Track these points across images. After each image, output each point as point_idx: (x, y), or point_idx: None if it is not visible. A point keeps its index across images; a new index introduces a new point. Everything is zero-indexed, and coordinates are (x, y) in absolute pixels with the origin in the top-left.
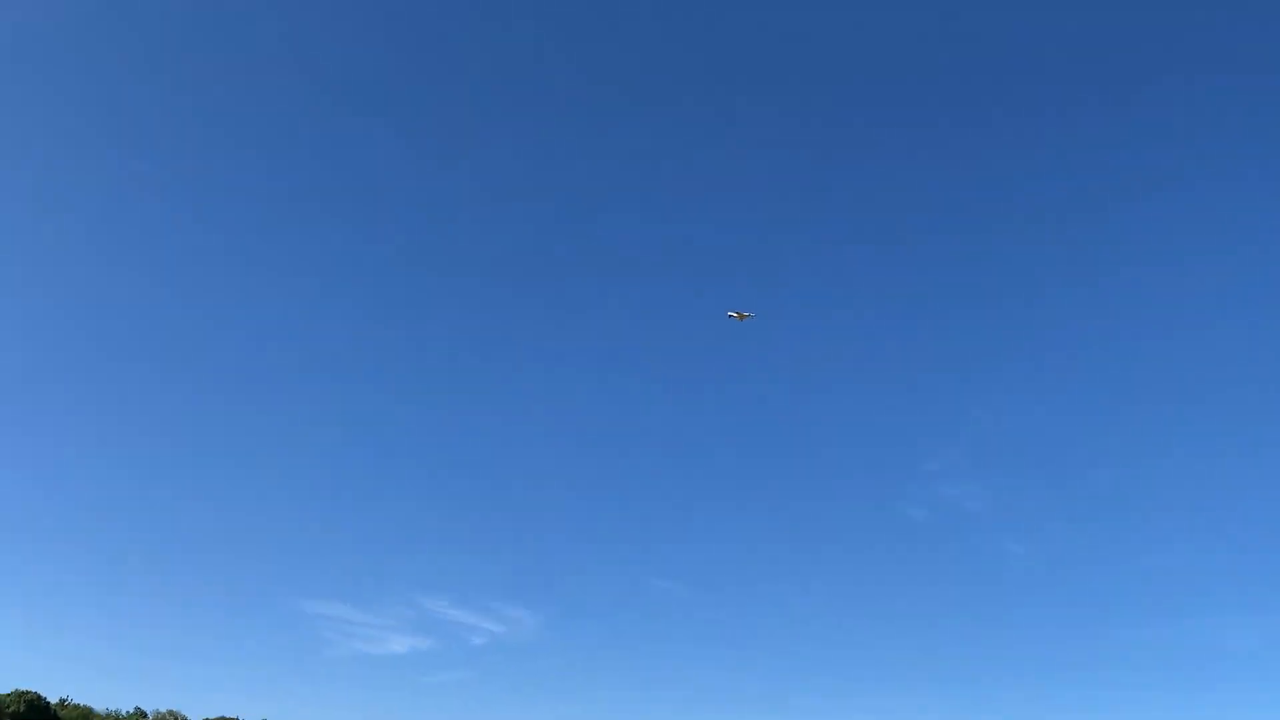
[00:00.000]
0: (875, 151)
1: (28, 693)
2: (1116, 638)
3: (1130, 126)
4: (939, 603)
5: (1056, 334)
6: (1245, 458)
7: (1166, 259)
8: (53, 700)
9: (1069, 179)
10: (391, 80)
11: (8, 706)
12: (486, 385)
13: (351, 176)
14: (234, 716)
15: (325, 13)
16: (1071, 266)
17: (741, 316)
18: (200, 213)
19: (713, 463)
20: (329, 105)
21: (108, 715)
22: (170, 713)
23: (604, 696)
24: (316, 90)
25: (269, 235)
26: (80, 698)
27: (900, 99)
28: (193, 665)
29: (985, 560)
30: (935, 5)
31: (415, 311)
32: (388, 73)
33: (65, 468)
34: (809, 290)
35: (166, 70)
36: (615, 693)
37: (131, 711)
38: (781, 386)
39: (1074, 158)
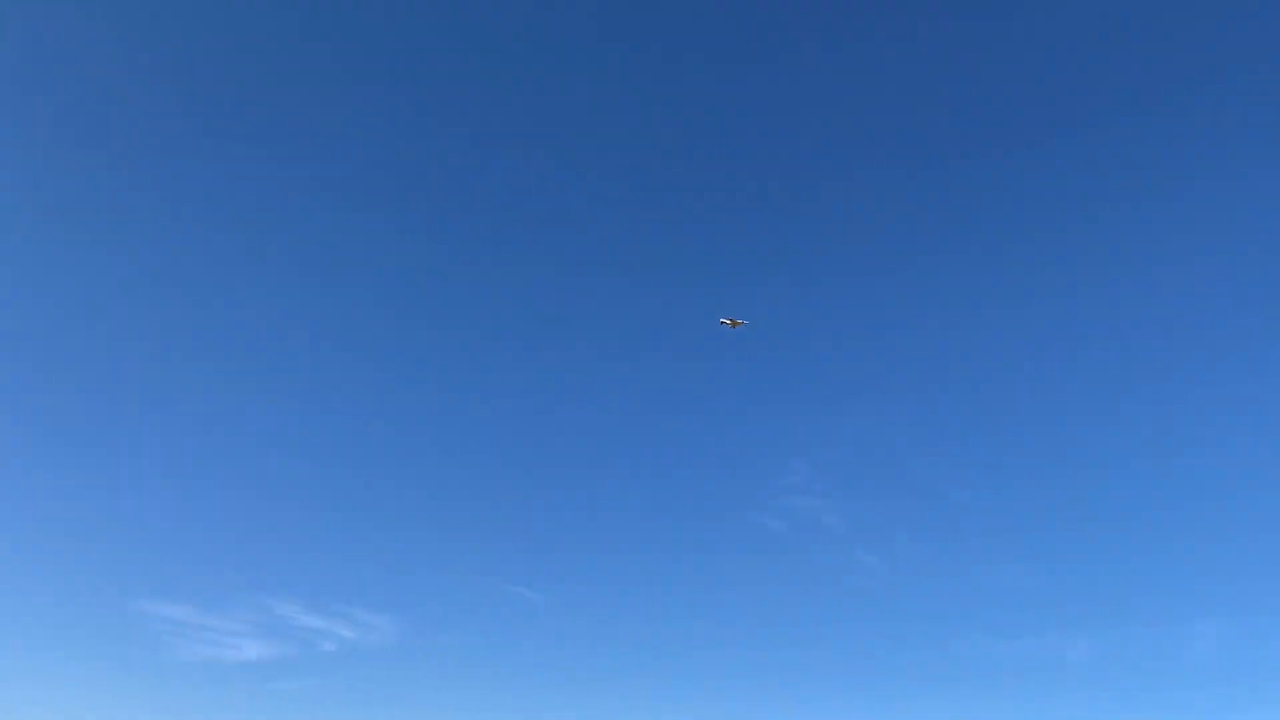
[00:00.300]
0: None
1: None
2: (962, 650)
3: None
4: (795, 612)
5: (912, 351)
6: (1088, 481)
7: (1023, 283)
8: None
9: (919, 193)
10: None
11: None
12: (342, 381)
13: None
14: None
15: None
16: (927, 285)
17: (734, 324)
18: None
19: (574, 470)
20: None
21: None
22: None
23: (459, 706)
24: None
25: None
26: None
27: None
28: (15, 671)
29: (840, 572)
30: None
31: (259, 299)
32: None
33: None
34: (672, 303)
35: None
36: (471, 702)
37: None
38: (642, 397)
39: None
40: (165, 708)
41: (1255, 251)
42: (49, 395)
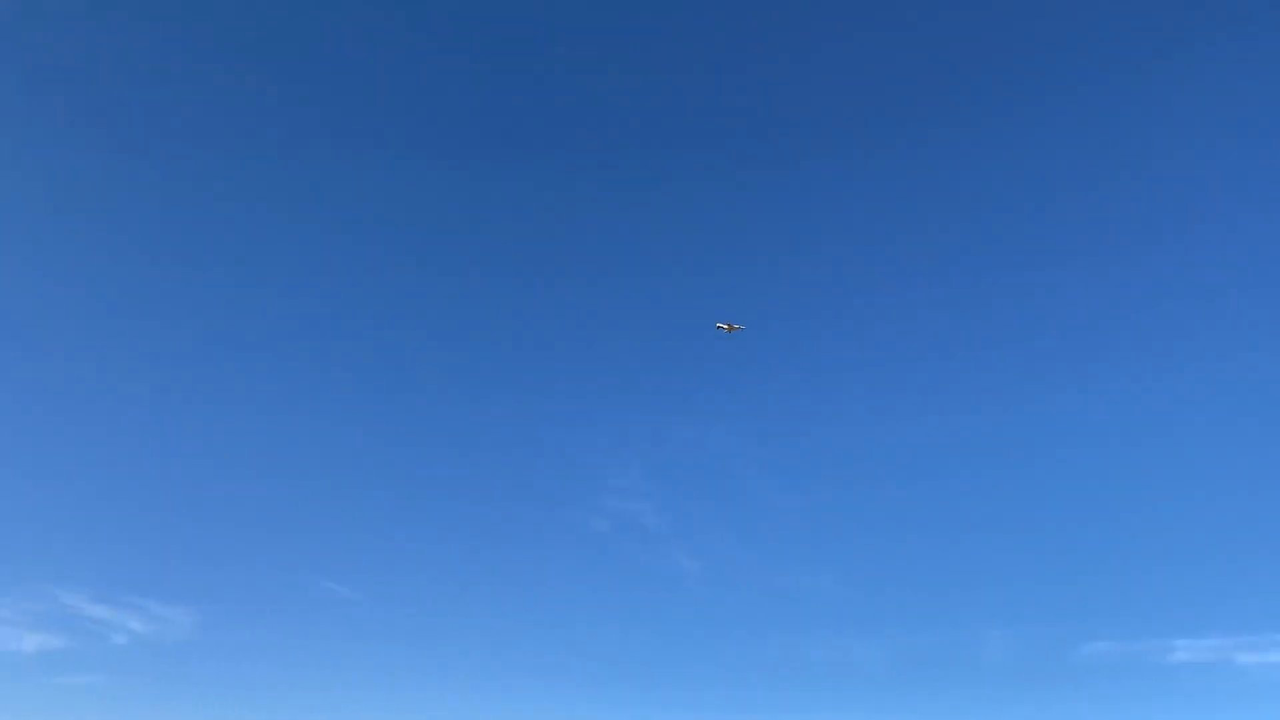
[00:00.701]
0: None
1: None
2: (770, 652)
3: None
4: (615, 613)
5: (740, 357)
6: (898, 489)
7: (850, 291)
8: None
9: (744, 195)
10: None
11: None
12: (141, 359)
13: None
14: None
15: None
16: (758, 291)
17: (731, 328)
18: None
19: (392, 464)
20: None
21: None
22: None
23: (262, 705)
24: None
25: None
26: None
27: None
28: None
29: (659, 573)
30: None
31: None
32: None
33: None
34: (510, 305)
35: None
36: (275, 702)
37: None
38: (473, 394)
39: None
40: None
41: (1085, 250)
42: None
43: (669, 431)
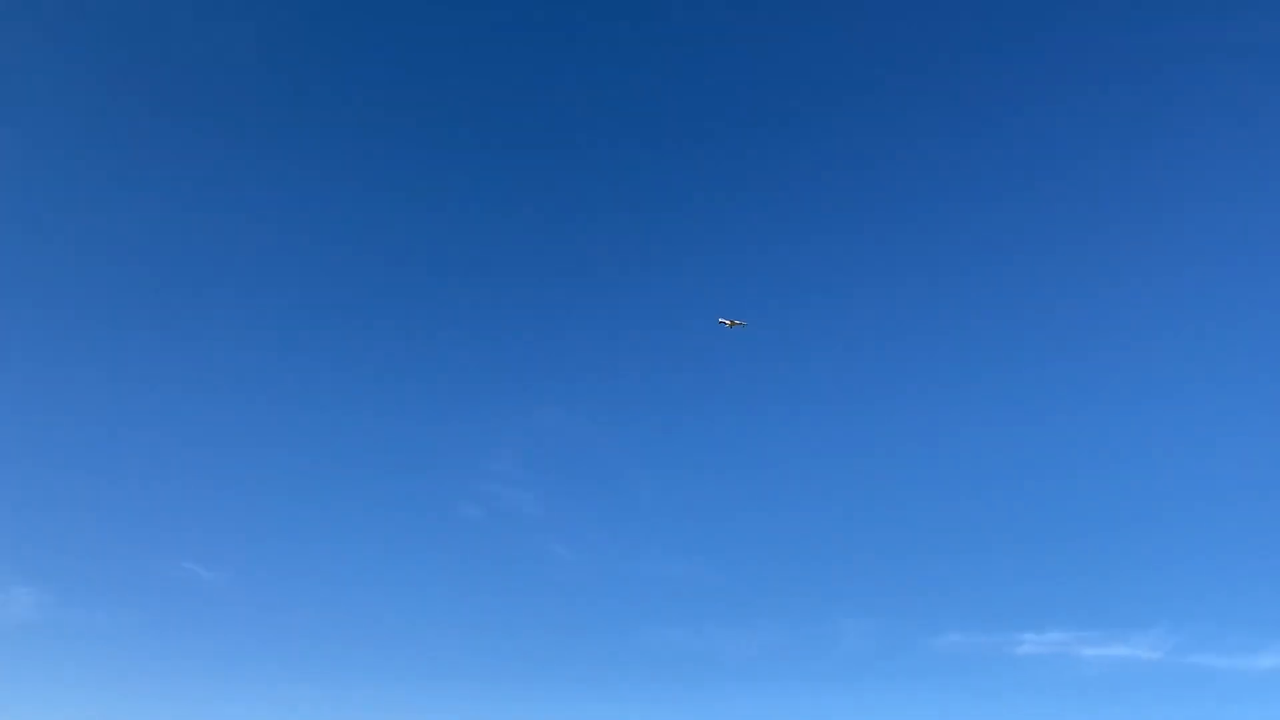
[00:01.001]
0: None
1: None
2: (638, 639)
3: None
4: (485, 599)
5: (619, 352)
6: (761, 483)
7: (716, 292)
8: None
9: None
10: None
11: None
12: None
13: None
14: None
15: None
16: (636, 287)
17: (733, 324)
18: None
19: (259, 446)
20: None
21: None
22: None
23: (114, 689)
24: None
25: None
26: None
27: None
28: None
29: (533, 561)
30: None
31: None
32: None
33: None
34: (381, 291)
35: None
36: (128, 686)
37: None
38: (345, 376)
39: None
40: None
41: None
42: None
43: (548, 420)
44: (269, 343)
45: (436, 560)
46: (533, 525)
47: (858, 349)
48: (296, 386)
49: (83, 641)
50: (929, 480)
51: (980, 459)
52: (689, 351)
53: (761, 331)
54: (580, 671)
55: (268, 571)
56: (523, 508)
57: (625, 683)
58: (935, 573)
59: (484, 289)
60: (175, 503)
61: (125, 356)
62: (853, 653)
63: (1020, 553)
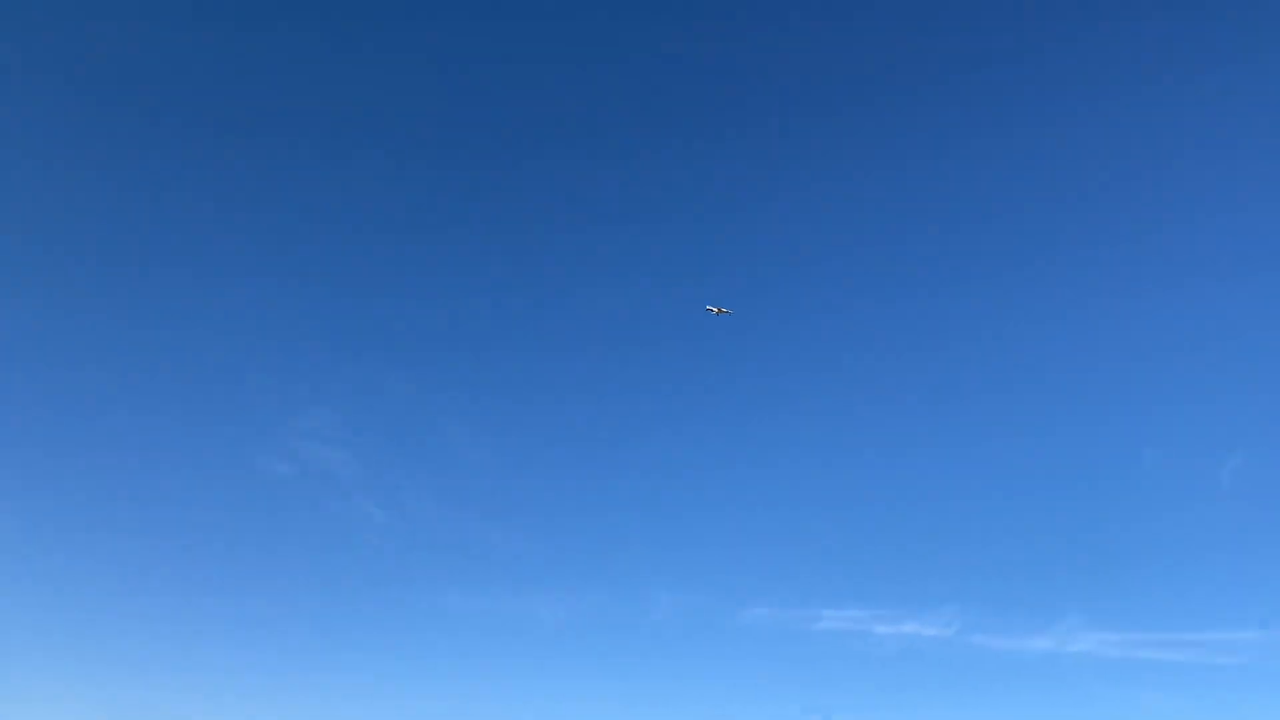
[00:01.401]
0: None
1: None
2: (452, 606)
3: None
4: (291, 561)
5: (458, 314)
6: (583, 454)
7: (588, 273)
8: None
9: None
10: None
11: None
12: None
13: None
14: None
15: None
16: (480, 256)
17: (719, 311)
18: None
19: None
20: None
21: None
22: None
23: None
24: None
25: None
26: None
27: None
28: None
29: (344, 522)
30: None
31: None
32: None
33: None
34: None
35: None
36: None
37: None
38: (139, 319)
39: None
40: None
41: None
42: None
43: (377, 381)
44: (57, 286)
45: (237, 516)
46: (348, 486)
47: (663, 334)
48: (85, 314)
49: None
50: (740, 459)
51: (792, 442)
52: (520, 316)
53: (594, 317)
54: (384, 638)
55: (45, 531)
56: (338, 468)
57: (431, 649)
58: (743, 549)
59: (322, 243)
60: None
61: None
62: (663, 623)
63: (823, 532)
